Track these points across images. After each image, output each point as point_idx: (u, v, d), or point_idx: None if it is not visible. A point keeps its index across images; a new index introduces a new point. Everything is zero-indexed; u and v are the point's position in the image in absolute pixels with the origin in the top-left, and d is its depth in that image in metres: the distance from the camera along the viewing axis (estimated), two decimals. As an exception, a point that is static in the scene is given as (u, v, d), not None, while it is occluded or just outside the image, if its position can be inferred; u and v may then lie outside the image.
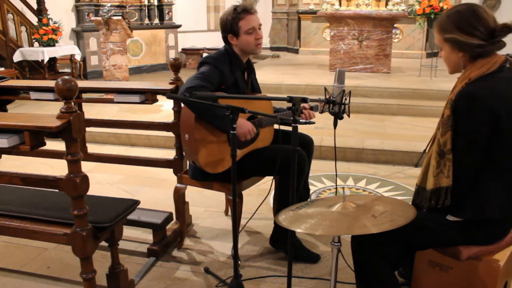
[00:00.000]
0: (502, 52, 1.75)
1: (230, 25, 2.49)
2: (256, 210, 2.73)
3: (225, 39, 2.56)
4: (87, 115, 3.04)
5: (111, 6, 7.39)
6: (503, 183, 1.72)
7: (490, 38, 1.69)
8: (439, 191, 1.73)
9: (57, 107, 1.88)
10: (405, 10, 7.47)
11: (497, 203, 1.72)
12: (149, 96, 2.74)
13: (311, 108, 2.61)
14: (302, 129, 2.09)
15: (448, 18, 1.76)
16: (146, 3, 9.56)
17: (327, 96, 2.08)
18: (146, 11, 9.56)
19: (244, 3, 2.55)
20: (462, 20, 1.72)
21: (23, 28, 7.89)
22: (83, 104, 3.05)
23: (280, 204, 2.53)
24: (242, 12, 2.48)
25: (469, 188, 1.72)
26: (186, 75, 2.67)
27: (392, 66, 7.26)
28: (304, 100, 1.84)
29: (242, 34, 2.50)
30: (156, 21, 9.69)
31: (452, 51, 1.77)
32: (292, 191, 1.88)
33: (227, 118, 1.95)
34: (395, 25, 7.55)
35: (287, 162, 1.94)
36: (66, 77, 1.81)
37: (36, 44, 7.90)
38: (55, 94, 2.64)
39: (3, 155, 2.71)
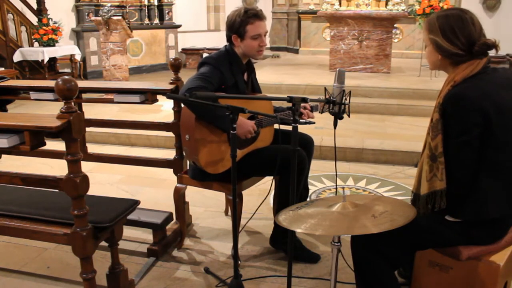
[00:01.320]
0: (502, 53, 1.76)
1: (238, 26, 2.49)
2: (256, 210, 2.73)
3: (228, 38, 2.56)
4: (87, 115, 3.04)
5: (111, 6, 7.39)
6: (503, 183, 1.72)
7: (469, 50, 1.70)
8: (434, 194, 1.73)
9: (57, 107, 1.88)
10: (405, 10, 7.48)
11: (497, 202, 1.72)
12: (149, 96, 2.74)
13: (311, 108, 2.60)
14: (302, 129, 2.09)
15: (437, 20, 1.76)
16: (146, 3, 9.55)
17: (327, 96, 2.08)
18: (146, 11, 9.55)
19: (255, 7, 2.55)
20: (447, 26, 1.73)
21: (23, 28, 7.88)
22: (83, 104, 3.05)
23: (280, 204, 2.53)
24: (252, 16, 2.48)
25: (467, 189, 1.72)
26: (186, 75, 2.67)
27: (392, 66, 7.26)
28: (304, 100, 1.84)
29: (247, 38, 2.50)
30: (156, 21, 9.68)
31: (434, 51, 1.79)
32: (292, 191, 1.88)
33: (227, 117, 1.96)
34: (395, 25, 7.55)
35: (287, 162, 1.94)
36: (66, 77, 1.82)
37: (36, 44, 7.89)
38: (55, 94, 2.64)
39: (3, 155, 2.72)
